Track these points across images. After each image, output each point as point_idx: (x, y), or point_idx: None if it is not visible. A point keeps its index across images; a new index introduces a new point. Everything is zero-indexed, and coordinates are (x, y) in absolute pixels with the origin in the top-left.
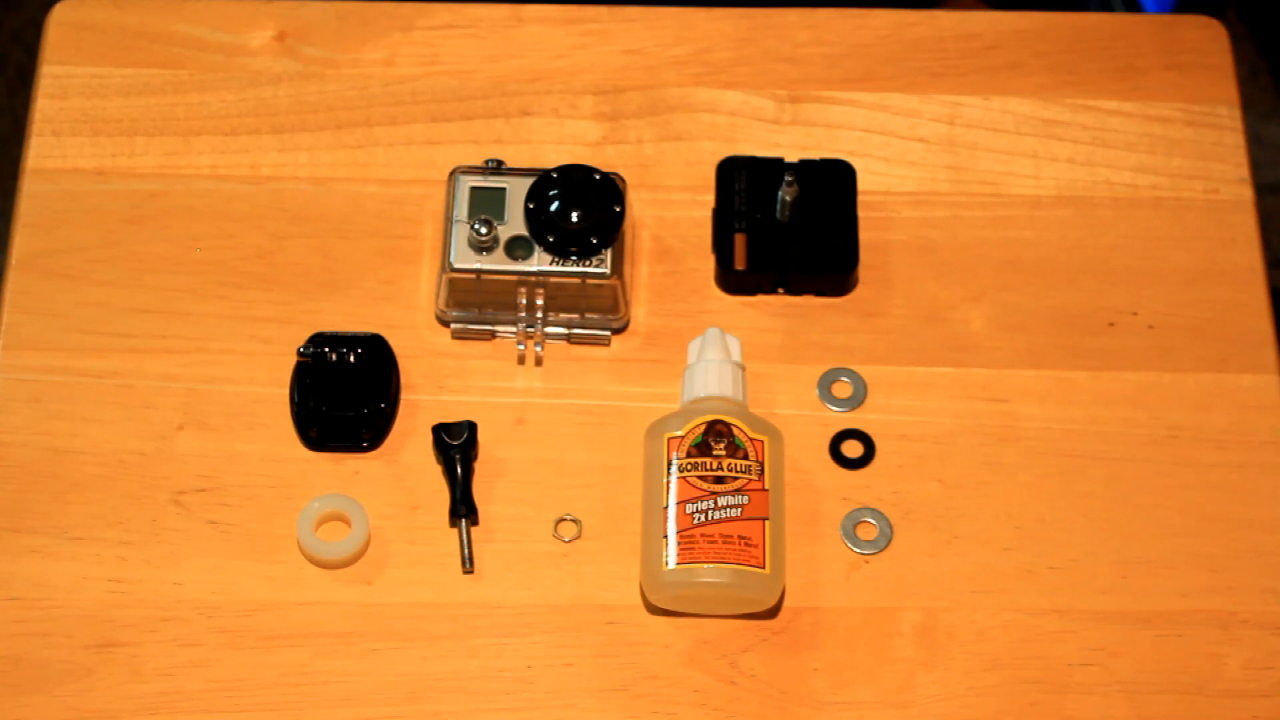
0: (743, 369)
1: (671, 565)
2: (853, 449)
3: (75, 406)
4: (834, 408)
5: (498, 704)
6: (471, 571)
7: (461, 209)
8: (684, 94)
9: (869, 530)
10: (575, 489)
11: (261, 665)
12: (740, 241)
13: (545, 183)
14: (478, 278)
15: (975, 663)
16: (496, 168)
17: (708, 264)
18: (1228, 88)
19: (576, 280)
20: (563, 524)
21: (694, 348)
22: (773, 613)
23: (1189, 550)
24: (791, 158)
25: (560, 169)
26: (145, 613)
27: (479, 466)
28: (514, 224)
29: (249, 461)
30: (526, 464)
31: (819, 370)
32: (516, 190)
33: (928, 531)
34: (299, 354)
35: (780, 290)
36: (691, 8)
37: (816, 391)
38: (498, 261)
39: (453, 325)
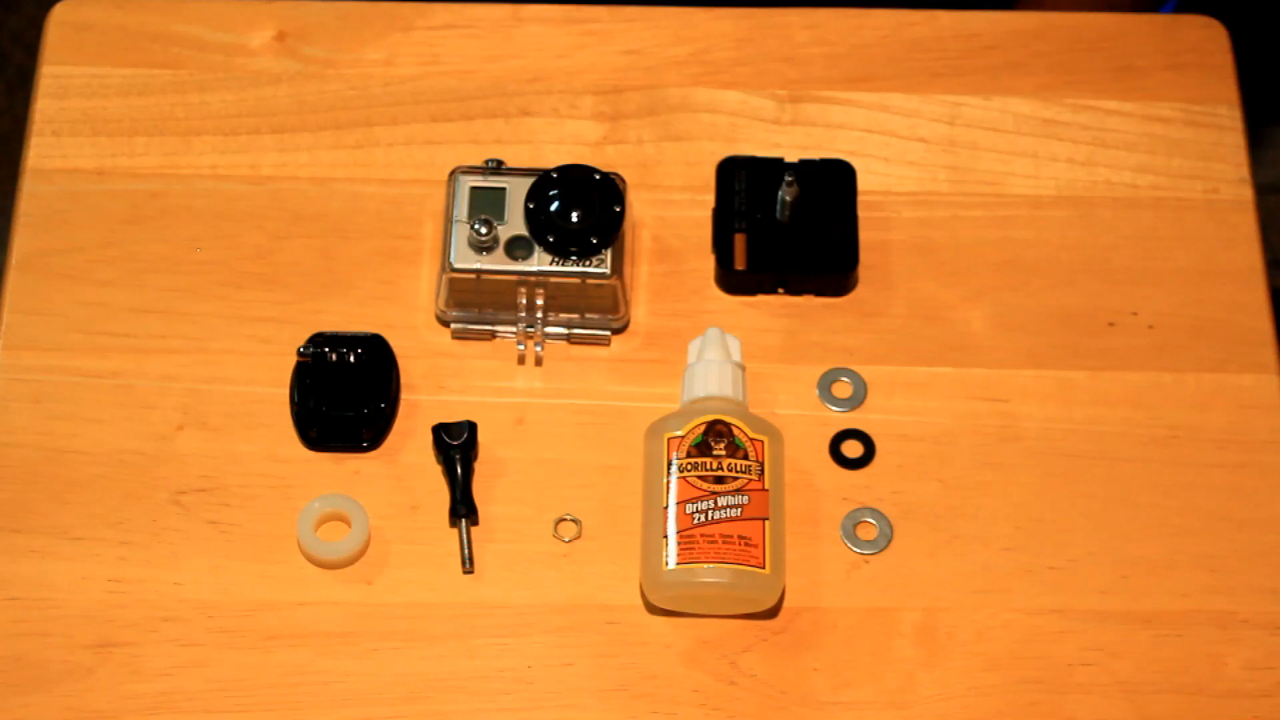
0: (743, 369)
1: (671, 565)
2: (853, 449)
3: (75, 406)
4: (834, 408)
5: (498, 704)
6: (471, 571)
7: (461, 209)
8: (684, 94)
9: (869, 530)
10: (575, 489)
11: (261, 665)
12: (740, 241)
13: (545, 183)
14: (478, 278)
15: (975, 663)
16: (496, 168)
17: (708, 264)
18: (1228, 88)
19: (576, 280)
20: (563, 524)
21: (694, 348)
22: (773, 613)
23: (1189, 550)
24: (791, 158)
25: (560, 169)
26: (145, 613)
27: (479, 466)
28: (514, 224)
29: (249, 461)
30: (526, 464)
31: (819, 370)
32: (516, 190)
33: (928, 531)
34: (299, 354)
35: (780, 290)
36: (691, 8)
37: (816, 391)
38: (498, 261)
39: (453, 325)
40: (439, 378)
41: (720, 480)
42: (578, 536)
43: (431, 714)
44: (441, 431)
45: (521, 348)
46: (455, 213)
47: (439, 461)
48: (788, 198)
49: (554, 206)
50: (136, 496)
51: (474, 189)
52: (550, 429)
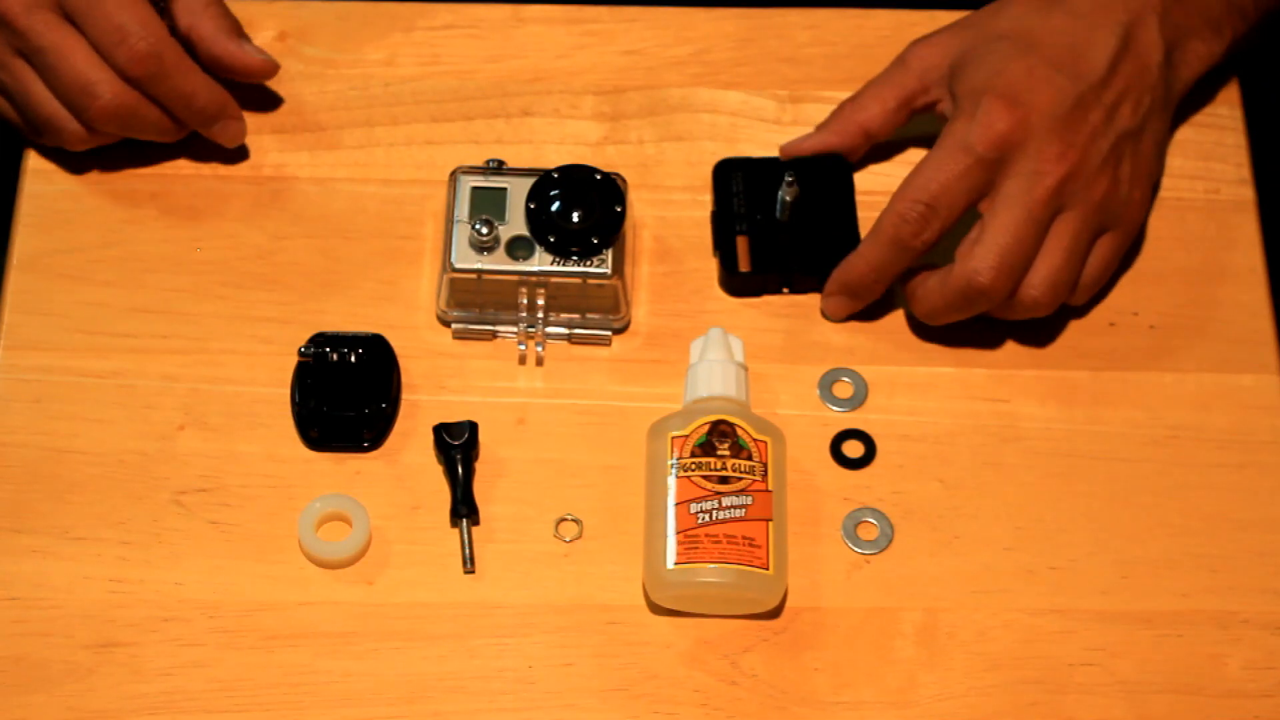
0: (745, 369)
1: (674, 565)
2: (853, 449)
3: (76, 406)
4: (835, 408)
5: (498, 704)
6: (472, 571)
7: (462, 209)
8: (684, 94)
9: (870, 530)
10: (576, 489)
11: (262, 665)
12: (743, 244)
13: (546, 183)
14: (479, 278)
15: (976, 663)
16: (497, 168)
17: (709, 264)
18: (1228, 88)
19: (577, 280)
20: (563, 524)
21: (696, 348)
22: (774, 613)
23: (1189, 550)
24: None
25: (561, 169)
26: (146, 613)
27: (480, 466)
28: (515, 224)
29: (250, 461)
30: (527, 464)
31: (820, 370)
32: (517, 190)
33: (928, 531)
34: (300, 354)
35: (785, 290)
36: (691, 8)
37: (817, 391)
38: (499, 261)
39: (453, 325)
40: (440, 378)
41: (724, 480)
42: (578, 536)
43: (431, 714)
44: (442, 431)
45: (522, 348)
46: (456, 213)
47: (440, 461)
48: (788, 198)
49: (555, 206)
50: (137, 496)
51: (475, 189)
52: (551, 429)
